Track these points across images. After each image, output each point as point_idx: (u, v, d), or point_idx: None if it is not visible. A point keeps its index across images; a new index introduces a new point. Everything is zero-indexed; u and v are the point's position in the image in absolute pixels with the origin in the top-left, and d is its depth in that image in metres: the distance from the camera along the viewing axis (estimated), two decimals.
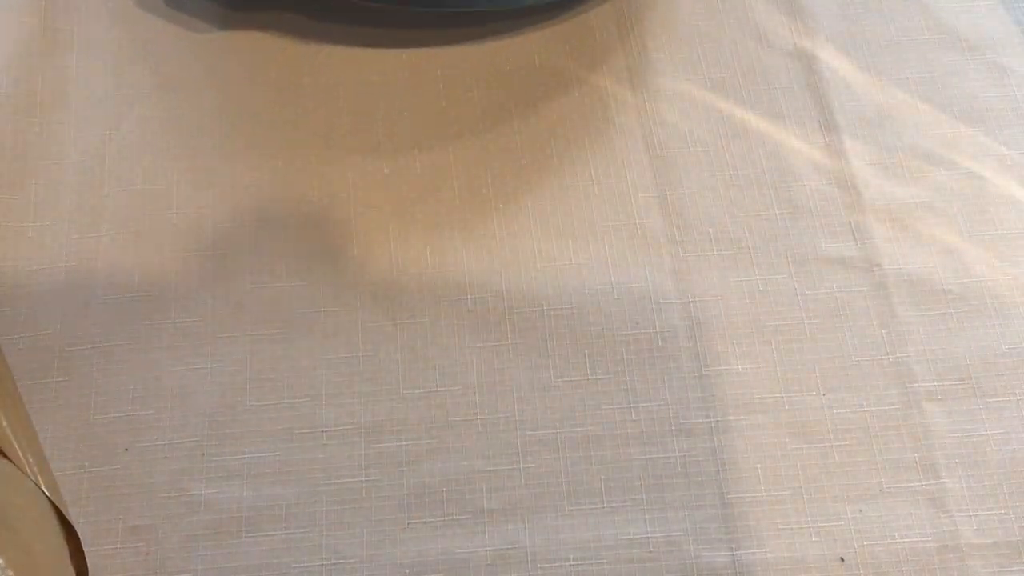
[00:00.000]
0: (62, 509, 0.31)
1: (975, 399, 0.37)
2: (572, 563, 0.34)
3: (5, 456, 0.30)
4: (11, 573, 0.28)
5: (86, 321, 0.38)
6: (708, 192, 0.41)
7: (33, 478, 0.30)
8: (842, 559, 0.34)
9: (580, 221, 0.41)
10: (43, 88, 0.44)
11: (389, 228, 0.41)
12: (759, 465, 0.36)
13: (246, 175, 0.42)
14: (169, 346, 0.38)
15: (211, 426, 0.36)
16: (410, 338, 0.38)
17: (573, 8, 0.46)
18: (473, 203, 0.41)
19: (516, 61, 0.45)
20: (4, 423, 0.31)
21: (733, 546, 0.34)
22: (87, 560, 0.31)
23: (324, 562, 0.34)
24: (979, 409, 0.37)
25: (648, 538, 0.35)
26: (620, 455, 0.36)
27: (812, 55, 0.45)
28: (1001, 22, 0.46)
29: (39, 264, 0.39)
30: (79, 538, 0.31)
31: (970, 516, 0.35)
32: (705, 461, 0.36)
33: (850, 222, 0.41)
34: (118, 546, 0.34)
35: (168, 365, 0.38)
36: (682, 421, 0.37)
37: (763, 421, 0.37)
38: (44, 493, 0.30)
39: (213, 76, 0.44)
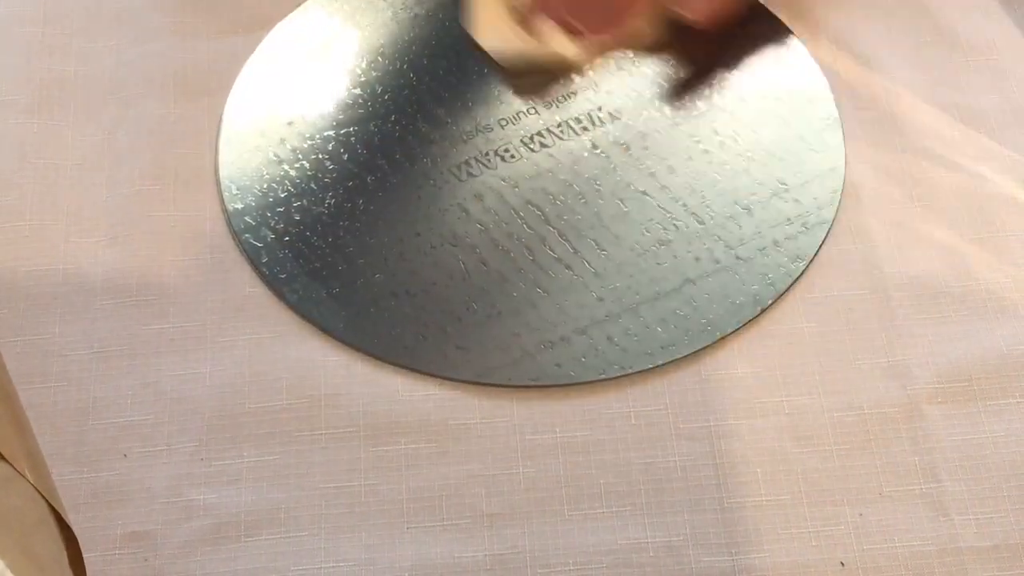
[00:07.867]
0: (61, 513, 0.30)
1: (976, 402, 0.37)
2: (572, 568, 0.34)
3: (3, 459, 0.30)
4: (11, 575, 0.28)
5: (84, 324, 0.38)
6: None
7: (31, 482, 0.30)
8: (842, 563, 0.34)
9: None
10: (42, 88, 0.43)
11: None
12: (759, 469, 0.36)
13: None
14: (168, 350, 0.38)
15: (210, 430, 0.36)
16: None
17: None
18: None
19: None
20: (2, 426, 0.31)
21: (733, 551, 0.34)
22: (86, 566, 0.31)
23: (324, 566, 0.34)
24: (979, 412, 0.37)
25: (648, 543, 0.35)
26: (620, 459, 0.36)
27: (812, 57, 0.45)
28: (1002, 24, 0.46)
29: (37, 266, 0.39)
30: (78, 543, 0.31)
31: (970, 519, 0.35)
32: (705, 465, 0.36)
33: (849, 224, 0.41)
34: (116, 552, 0.34)
35: (167, 369, 0.37)
36: (682, 425, 0.37)
37: (763, 425, 0.37)
38: (43, 497, 0.30)
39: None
